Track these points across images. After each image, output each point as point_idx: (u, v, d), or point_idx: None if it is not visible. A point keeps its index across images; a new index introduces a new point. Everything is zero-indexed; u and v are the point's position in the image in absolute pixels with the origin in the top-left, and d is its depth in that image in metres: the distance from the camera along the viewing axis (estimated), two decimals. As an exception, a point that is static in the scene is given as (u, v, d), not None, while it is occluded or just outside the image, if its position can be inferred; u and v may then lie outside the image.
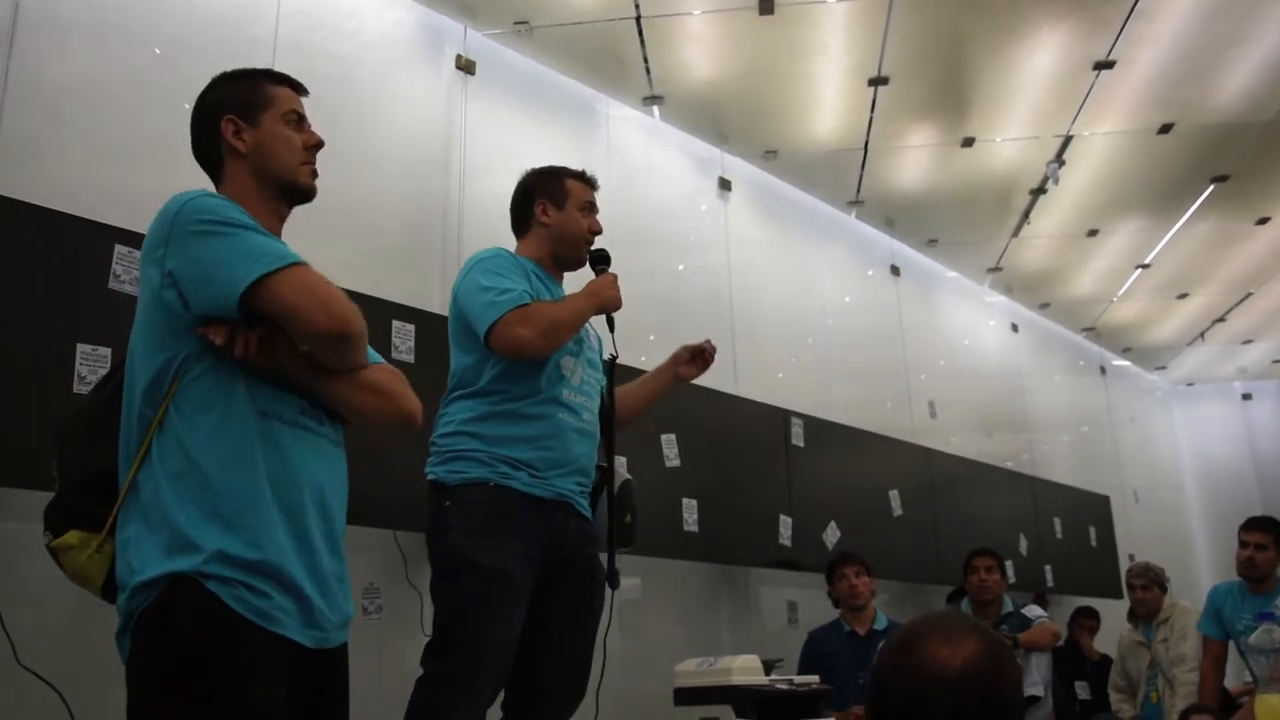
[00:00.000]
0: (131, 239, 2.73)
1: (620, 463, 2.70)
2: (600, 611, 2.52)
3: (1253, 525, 4.38)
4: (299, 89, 1.88)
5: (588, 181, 2.67)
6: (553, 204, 2.61)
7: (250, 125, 1.79)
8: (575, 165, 2.70)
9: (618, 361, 2.70)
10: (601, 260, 2.65)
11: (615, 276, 2.60)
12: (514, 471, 2.36)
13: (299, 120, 1.85)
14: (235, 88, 1.83)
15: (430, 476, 2.42)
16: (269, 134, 1.80)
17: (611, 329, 2.61)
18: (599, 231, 2.65)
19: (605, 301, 2.53)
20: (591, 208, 2.66)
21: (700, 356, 2.80)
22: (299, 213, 1.87)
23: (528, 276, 2.49)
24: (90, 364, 2.64)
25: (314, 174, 1.84)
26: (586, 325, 2.62)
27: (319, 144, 1.85)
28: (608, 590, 2.54)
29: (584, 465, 2.50)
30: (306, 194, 1.84)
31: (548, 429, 2.42)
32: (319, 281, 1.66)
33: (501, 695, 2.40)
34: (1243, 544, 4.35)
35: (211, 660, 1.53)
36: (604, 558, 2.55)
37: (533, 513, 2.36)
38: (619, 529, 2.59)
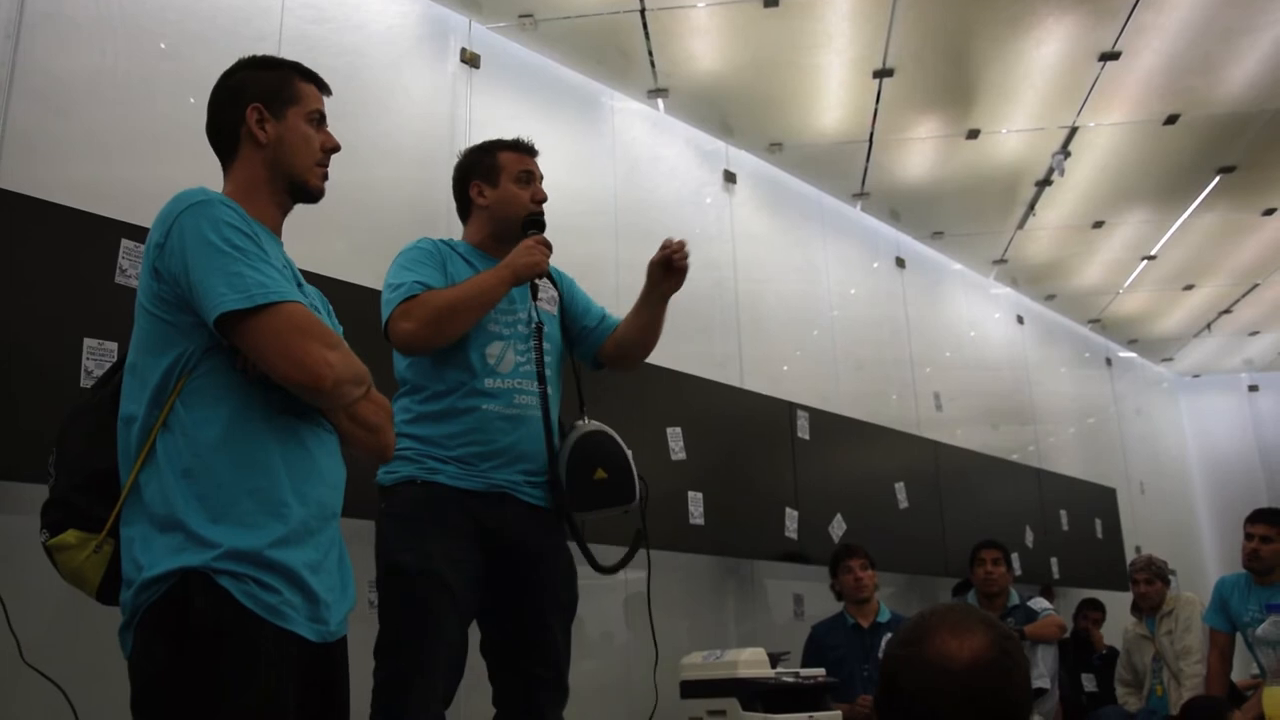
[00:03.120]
0: (137, 233, 2.73)
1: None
2: (573, 599, 2.42)
3: (1258, 517, 4.38)
4: (324, 88, 1.88)
5: (524, 149, 2.50)
6: (487, 183, 2.48)
7: (275, 118, 1.79)
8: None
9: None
10: (533, 225, 2.43)
11: (539, 240, 2.38)
12: (442, 466, 2.29)
13: (320, 120, 1.85)
14: (265, 76, 1.82)
15: (376, 480, 2.38)
16: (292, 130, 1.79)
17: (534, 296, 2.40)
18: (543, 199, 2.48)
19: (519, 270, 2.31)
20: (529, 177, 2.49)
21: (669, 265, 2.45)
22: (304, 205, 1.88)
23: (443, 264, 2.38)
24: (97, 358, 2.64)
25: (325, 177, 1.84)
26: (547, 301, 2.48)
27: (335, 148, 1.85)
28: (645, 578, 2.44)
29: (522, 452, 2.34)
30: (314, 196, 1.84)
31: (472, 422, 2.32)
32: (294, 328, 1.59)
33: (491, 693, 2.37)
34: (1248, 536, 4.35)
35: (221, 655, 1.52)
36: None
37: (463, 506, 2.27)
38: (585, 487, 2.35)
